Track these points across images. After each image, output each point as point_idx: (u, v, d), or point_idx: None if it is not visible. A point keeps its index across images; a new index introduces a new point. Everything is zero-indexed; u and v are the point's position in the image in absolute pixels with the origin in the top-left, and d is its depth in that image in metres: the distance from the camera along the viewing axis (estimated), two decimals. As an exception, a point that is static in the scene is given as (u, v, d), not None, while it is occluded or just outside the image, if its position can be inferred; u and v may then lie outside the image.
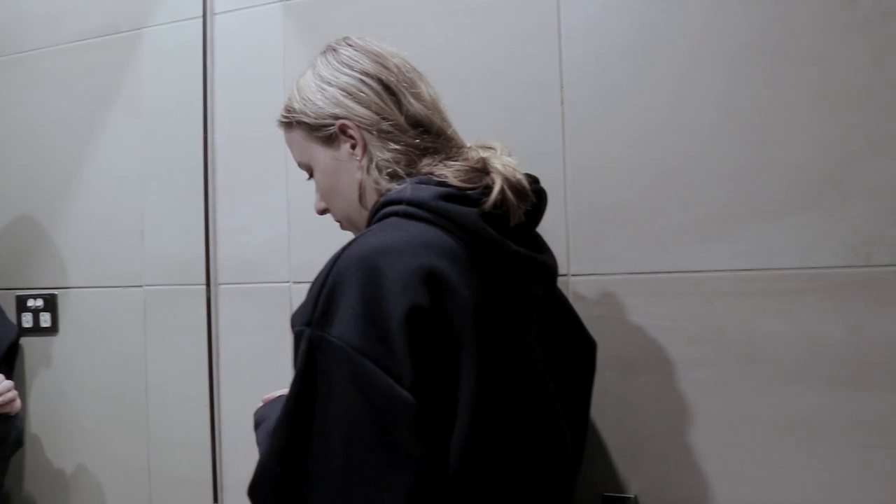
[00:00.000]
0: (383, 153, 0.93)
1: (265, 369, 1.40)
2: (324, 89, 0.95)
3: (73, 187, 1.59)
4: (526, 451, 0.88)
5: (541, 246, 1.00)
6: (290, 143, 1.02)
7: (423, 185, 0.88)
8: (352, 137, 0.94)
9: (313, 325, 0.78)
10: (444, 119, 0.97)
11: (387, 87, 0.93)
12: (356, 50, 0.96)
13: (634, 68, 1.20)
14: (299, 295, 1.34)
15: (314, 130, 0.96)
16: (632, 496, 1.18)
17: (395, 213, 0.87)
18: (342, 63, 0.95)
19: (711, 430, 1.16)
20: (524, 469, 0.88)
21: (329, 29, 1.36)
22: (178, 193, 1.50)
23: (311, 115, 0.95)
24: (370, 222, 0.91)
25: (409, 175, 0.91)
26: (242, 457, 1.42)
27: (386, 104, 0.93)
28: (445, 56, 1.29)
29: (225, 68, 1.47)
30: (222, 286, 1.45)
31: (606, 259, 1.20)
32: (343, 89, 0.93)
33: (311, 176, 1.02)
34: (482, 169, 0.89)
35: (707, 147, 1.17)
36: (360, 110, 0.93)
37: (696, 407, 1.16)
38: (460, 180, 0.88)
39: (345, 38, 0.98)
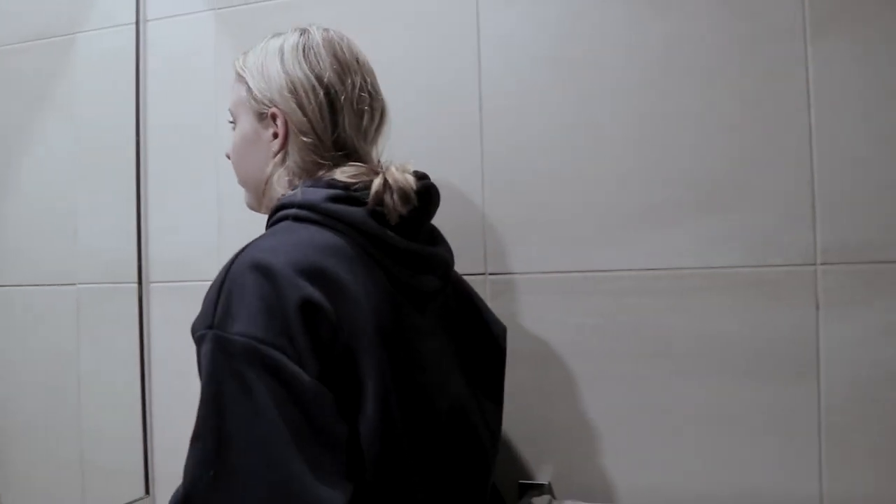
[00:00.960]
0: (299, 158, 0.95)
1: (195, 365, 1.42)
2: (278, 71, 0.95)
3: (6, 187, 1.60)
4: (435, 439, 0.93)
5: (435, 239, 1.04)
6: (231, 87, 1.02)
7: (313, 189, 0.90)
8: (277, 127, 0.95)
9: (215, 326, 0.79)
10: (367, 151, 0.99)
11: (331, 103, 0.94)
12: (325, 49, 0.96)
13: (550, 80, 1.26)
14: (229, 293, 1.37)
15: (251, 99, 0.97)
16: (545, 483, 1.24)
17: (287, 217, 0.90)
18: (305, 55, 0.95)
19: (620, 420, 1.22)
20: (435, 459, 0.93)
21: (260, 37, 1.40)
22: (111, 194, 1.52)
23: (256, 86, 0.97)
24: (268, 224, 0.95)
25: None
26: (173, 449, 1.45)
27: (322, 119, 0.93)
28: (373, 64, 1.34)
29: (157, 73, 1.50)
30: (153, 284, 1.48)
31: (522, 259, 1.26)
32: (292, 83, 0.94)
33: (233, 126, 1.03)
34: (373, 171, 0.93)
35: (616, 154, 1.23)
36: (297, 112, 0.93)
37: (606, 398, 1.23)
38: (347, 176, 0.91)
39: (325, 29, 0.99)
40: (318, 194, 0.89)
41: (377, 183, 0.91)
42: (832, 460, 1.16)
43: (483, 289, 1.26)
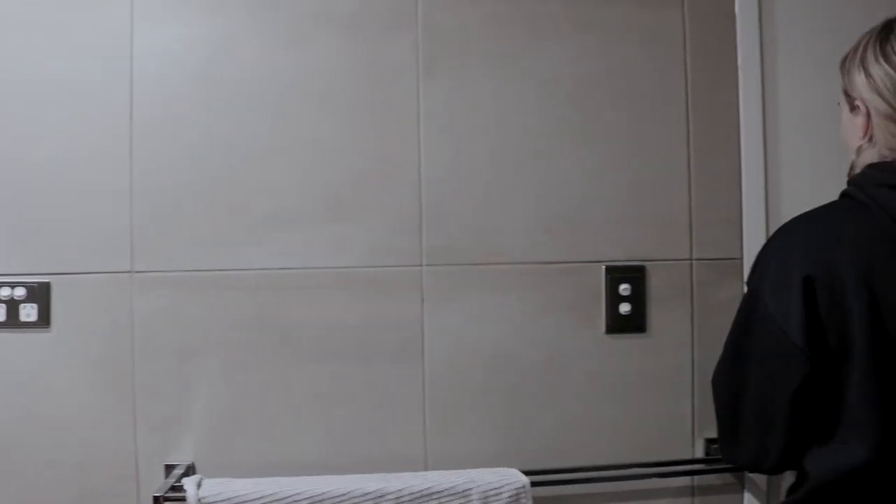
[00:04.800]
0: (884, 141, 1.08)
1: None
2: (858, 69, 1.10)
3: None
4: None
5: None
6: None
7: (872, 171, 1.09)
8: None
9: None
10: None
11: None
12: None
13: (198, 96, 1.38)
14: None
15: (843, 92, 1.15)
16: (190, 463, 1.36)
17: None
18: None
19: (256, 401, 1.37)
20: None
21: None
22: None
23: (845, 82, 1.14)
24: None
25: None
26: None
27: None
28: (16, 69, 1.36)
29: None
30: None
31: (167, 258, 1.36)
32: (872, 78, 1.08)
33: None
34: None
35: (253, 166, 1.38)
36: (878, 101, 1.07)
37: (244, 382, 1.37)
38: None
39: None
40: (870, 177, 1.06)
41: None
42: (434, 427, 1.41)
43: (129, 286, 1.35)
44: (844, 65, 1.14)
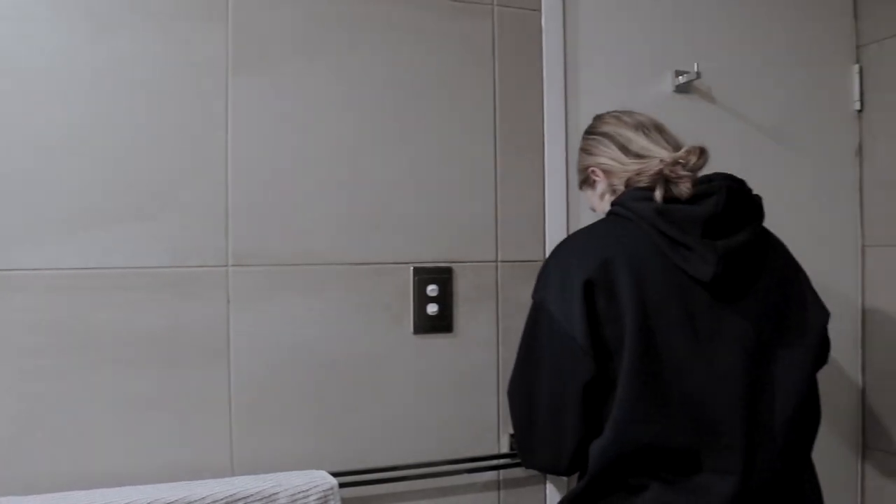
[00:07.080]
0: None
1: None
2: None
3: None
4: None
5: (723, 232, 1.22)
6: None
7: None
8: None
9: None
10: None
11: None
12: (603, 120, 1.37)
13: None
14: None
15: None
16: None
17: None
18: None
19: (50, 411, 1.28)
20: None
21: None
22: None
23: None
24: None
25: None
26: None
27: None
28: None
29: None
30: None
31: (-53, 257, 1.24)
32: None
33: None
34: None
35: (50, 160, 1.29)
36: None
37: (36, 390, 1.27)
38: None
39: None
40: (630, 195, 1.23)
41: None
42: (241, 431, 1.38)
43: None
44: (578, 160, 1.42)
